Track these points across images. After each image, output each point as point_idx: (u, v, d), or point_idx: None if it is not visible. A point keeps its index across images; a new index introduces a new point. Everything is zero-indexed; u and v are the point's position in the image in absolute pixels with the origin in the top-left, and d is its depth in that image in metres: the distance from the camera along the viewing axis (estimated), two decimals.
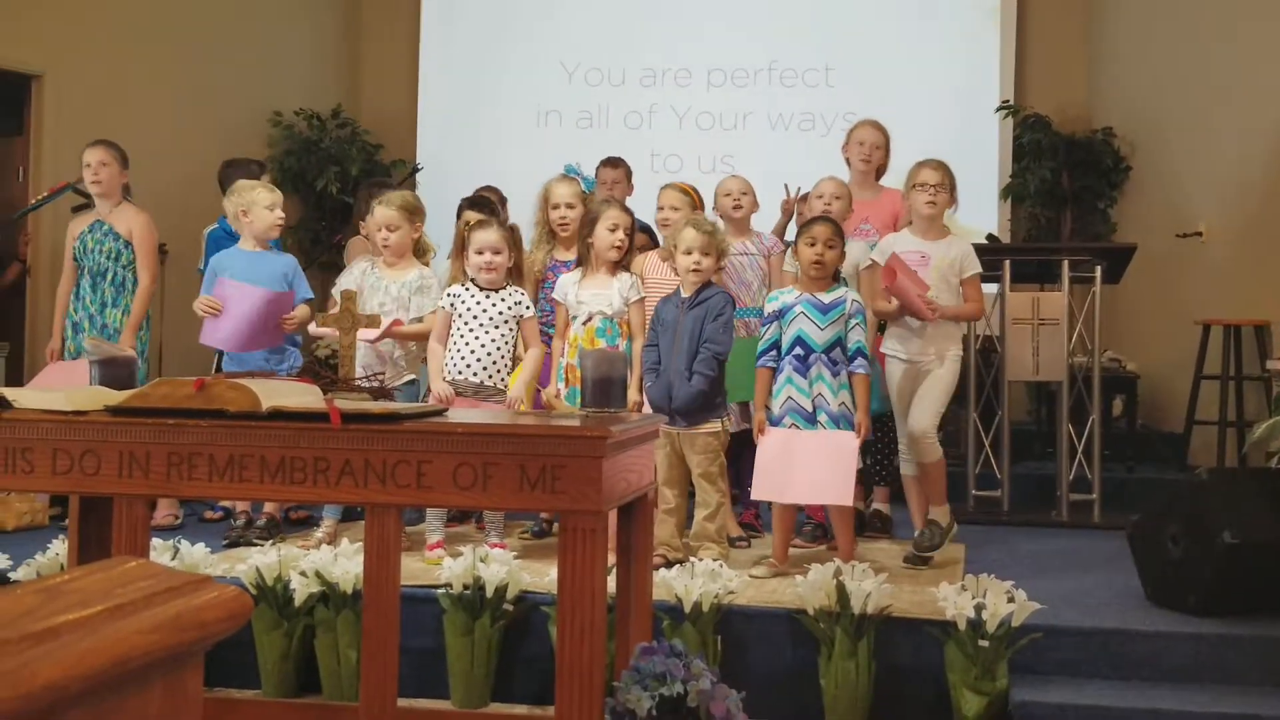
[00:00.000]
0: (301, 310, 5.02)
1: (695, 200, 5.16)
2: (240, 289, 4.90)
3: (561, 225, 5.02)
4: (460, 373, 4.49)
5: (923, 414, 4.57)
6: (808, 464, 4.23)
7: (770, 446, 4.31)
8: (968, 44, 8.37)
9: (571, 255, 4.99)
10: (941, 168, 4.73)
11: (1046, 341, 5.61)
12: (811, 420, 4.29)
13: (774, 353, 4.39)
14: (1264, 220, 6.57)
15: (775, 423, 4.33)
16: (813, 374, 4.30)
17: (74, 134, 6.95)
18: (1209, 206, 7.05)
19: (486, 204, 5.31)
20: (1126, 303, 7.26)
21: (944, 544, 4.55)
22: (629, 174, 6.03)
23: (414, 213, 4.88)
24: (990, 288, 5.48)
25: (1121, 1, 8.14)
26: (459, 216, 5.33)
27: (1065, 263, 5.64)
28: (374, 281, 4.79)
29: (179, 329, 6.74)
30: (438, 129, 8.96)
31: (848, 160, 5.56)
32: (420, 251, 4.95)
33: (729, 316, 4.47)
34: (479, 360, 4.49)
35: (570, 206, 5.01)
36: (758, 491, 4.38)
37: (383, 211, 4.81)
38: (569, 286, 4.69)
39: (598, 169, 6.03)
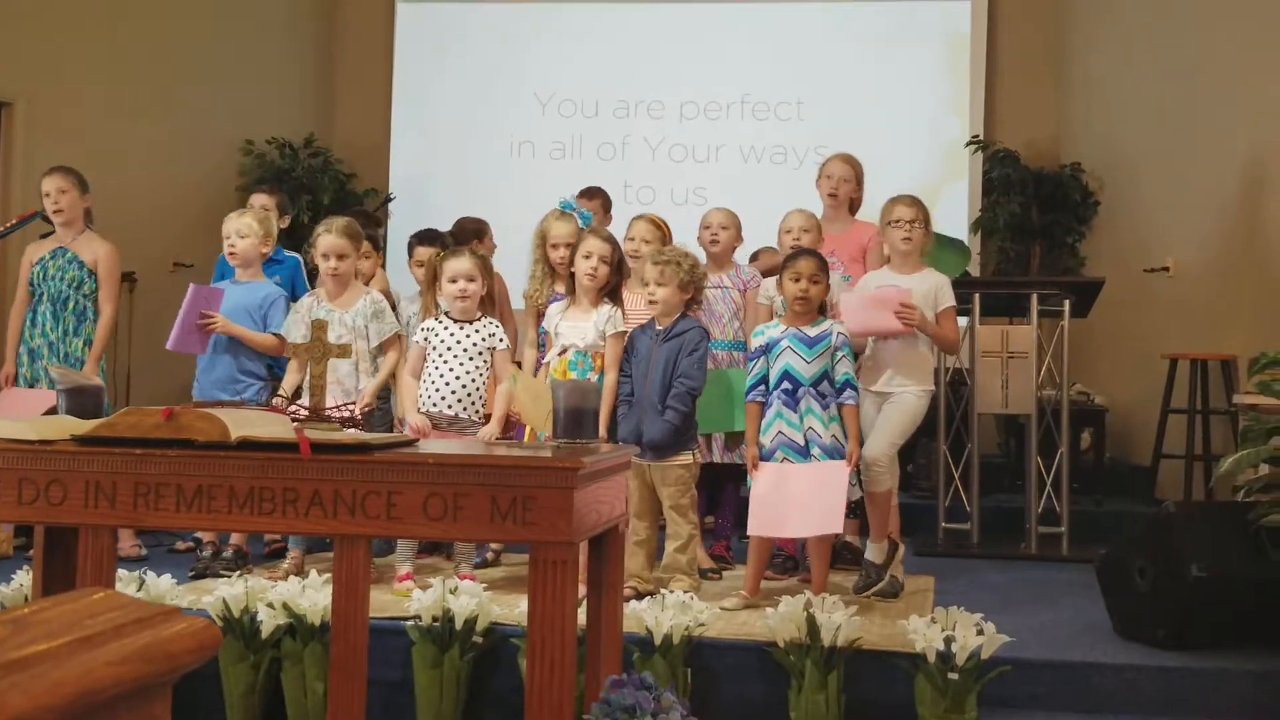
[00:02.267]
0: (255, 336, 4.86)
1: (665, 233, 5.16)
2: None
3: (561, 264, 4.90)
4: (435, 405, 4.47)
5: (877, 442, 4.56)
6: (801, 497, 4.21)
7: (764, 481, 4.29)
8: (938, 79, 8.47)
9: None
10: (916, 203, 4.77)
11: (1015, 375, 5.65)
12: (804, 454, 4.27)
13: (762, 387, 4.38)
14: (1231, 255, 6.65)
15: (767, 457, 4.31)
16: (802, 408, 4.30)
17: (44, 162, 6.88)
18: (1176, 241, 7.13)
19: (437, 238, 5.27)
20: (1095, 336, 7.32)
21: (882, 581, 4.49)
22: (606, 205, 6.05)
23: (358, 239, 4.81)
24: (960, 320, 5.52)
25: (1090, 38, 8.25)
26: (410, 254, 5.29)
27: (1034, 296, 5.68)
28: (323, 315, 4.56)
29: (148, 358, 6.71)
30: (411, 158, 8.94)
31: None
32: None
33: (704, 352, 4.47)
34: (454, 393, 4.47)
35: (569, 246, 4.85)
36: (754, 527, 4.30)
37: (331, 239, 4.67)
38: (555, 316, 4.69)
39: (574, 200, 6.04)
